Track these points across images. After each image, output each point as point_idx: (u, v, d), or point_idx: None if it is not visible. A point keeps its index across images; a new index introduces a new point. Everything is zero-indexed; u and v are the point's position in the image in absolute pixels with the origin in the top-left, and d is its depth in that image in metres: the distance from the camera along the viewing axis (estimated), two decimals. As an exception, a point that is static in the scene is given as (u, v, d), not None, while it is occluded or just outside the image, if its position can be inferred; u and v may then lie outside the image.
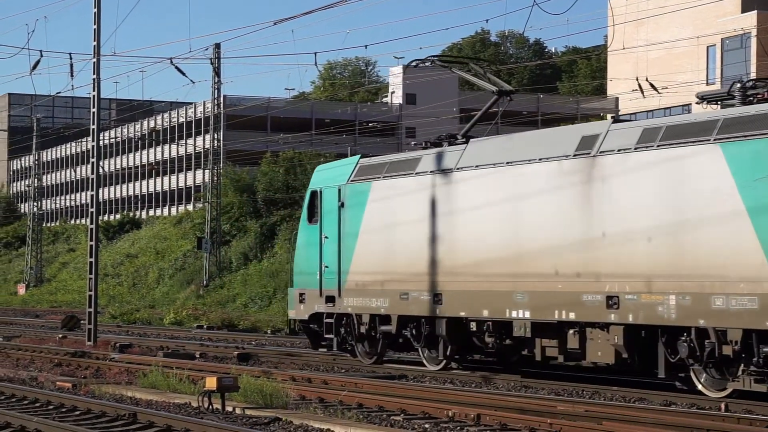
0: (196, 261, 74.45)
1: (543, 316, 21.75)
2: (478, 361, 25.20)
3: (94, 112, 34.94)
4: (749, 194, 18.42)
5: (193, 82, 59.39)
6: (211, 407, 17.95)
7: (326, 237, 27.16)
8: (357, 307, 26.32)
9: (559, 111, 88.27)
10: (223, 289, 68.37)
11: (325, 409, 17.93)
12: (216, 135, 72.10)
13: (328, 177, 27.76)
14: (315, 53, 39.43)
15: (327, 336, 27.26)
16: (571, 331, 21.35)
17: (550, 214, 21.68)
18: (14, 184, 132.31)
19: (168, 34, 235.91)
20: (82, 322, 45.51)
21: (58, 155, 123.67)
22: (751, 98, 19.92)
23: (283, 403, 18.24)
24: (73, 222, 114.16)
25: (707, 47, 66.96)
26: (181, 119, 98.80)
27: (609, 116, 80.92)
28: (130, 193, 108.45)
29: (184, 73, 45.44)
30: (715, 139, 19.00)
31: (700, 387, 19.72)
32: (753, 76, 62.03)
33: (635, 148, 20.27)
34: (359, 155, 28.22)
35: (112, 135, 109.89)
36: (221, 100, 74.91)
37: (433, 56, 27.17)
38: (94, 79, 34.90)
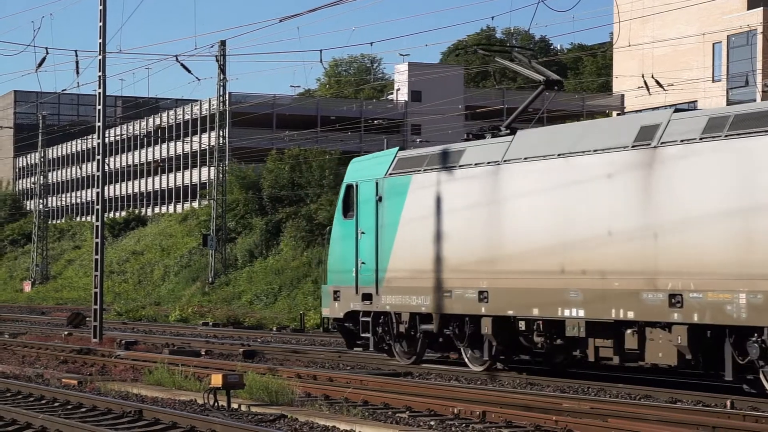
0: (202, 258, 74.47)
1: (598, 315, 20.72)
2: (523, 362, 24.22)
3: (99, 110, 34.95)
4: None
5: (199, 80, 59.32)
6: (216, 404, 17.97)
7: (363, 232, 26.26)
8: (396, 305, 25.30)
9: (564, 108, 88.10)
10: (228, 286, 68.41)
11: (330, 406, 17.92)
12: (221, 132, 72.11)
13: (365, 170, 26.78)
14: (320, 50, 39.60)
15: (363, 335, 26.37)
16: (629, 331, 20.38)
17: (606, 208, 20.68)
18: (20, 181, 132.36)
19: (173, 31, 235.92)
20: (87, 319, 45.57)
21: (64, 152, 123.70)
22: None
23: (289, 400, 18.25)
24: (78, 219, 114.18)
25: (713, 44, 66.88)
26: (187, 116, 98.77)
27: (614, 113, 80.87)
28: (136, 190, 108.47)
29: (189, 71, 45.55)
30: None
31: None
32: (759, 73, 62.03)
33: (701, 139, 19.25)
34: (397, 147, 26.86)
35: (118, 132, 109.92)
36: (227, 98, 74.90)
37: (478, 44, 26.00)
38: (99, 77, 34.92)
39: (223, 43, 66.19)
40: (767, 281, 18.14)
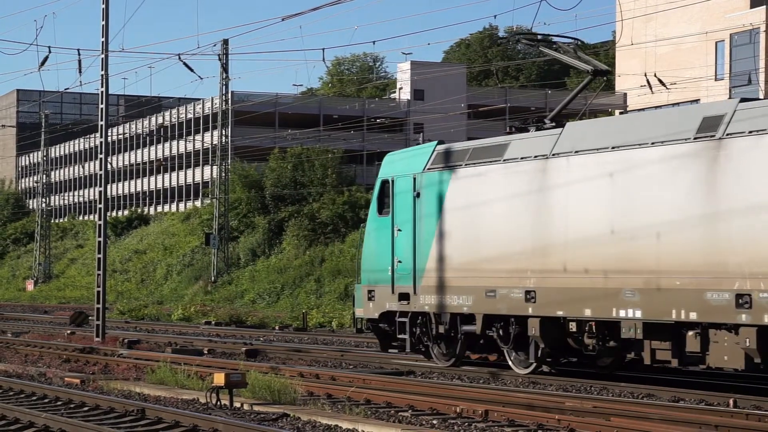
0: (204, 257, 74.50)
1: (657, 316, 19.70)
2: (570, 364, 23.28)
3: (102, 108, 34.96)
4: None
5: (201, 79, 59.42)
6: (219, 403, 17.97)
7: (399, 229, 25.19)
8: (435, 305, 24.18)
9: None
10: (231, 285, 68.43)
11: (333, 405, 17.92)
12: (224, 131, 72.13)
13: (401, 165, 25.63)
14: (323, 49, 39.37)
15: (400, 336, 25.34)
16: (691, 333, 19.35)
17: (666, 203, 19.61)
18: (23, 181, 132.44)
19: (176, 30, 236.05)
20: (90, 318, 45.58)
21: (67, 151, 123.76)
22: None
23: (291, 399, 18.24)
24: (81, 218, 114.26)
25: (716, 43, 66.84)
26: (189, 115, 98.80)
27: (616, 111, 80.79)
28: (138, 189, 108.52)
29: (192, 69, 45.53)
30: None
31: None
32: (762, 71, 61.99)
33: None
34: (436, 141, 25.59)
35: (120, 131, 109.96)
36: (229, 96, 74.96)
37: (520, 34, 24.62)
38: (102, 76, 34.93)
39: (225, 41, 66.23)
40: None
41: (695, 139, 19.36)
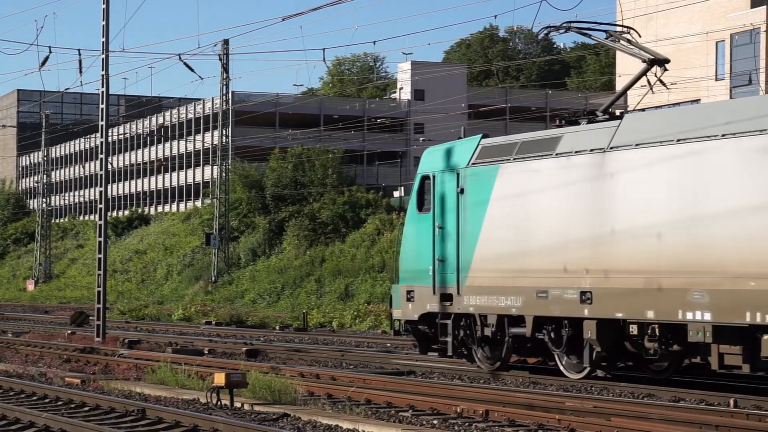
0: (205, 257, 74.53)
1: (728, 319, 18.54)
2: (624, 369, 22.22)
3: (102, 109, 34.97)
4: None
5: (202, 79, 59.31)
6: (219, 403, 17.97)
7: (440, 227, 23.95)
8: (481, 306, 23.01)
9: (567, 107, 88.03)
10: (231, 285, 68.45)
11: (333, 405, 17.92)
12: (224, 131, 72.15)
13: (443, 160, 24.32)
14: (323, 49, 39.41)
15: (441, 339, 24.07)
16: (766, 337, 18.19)
17: (740, 199, 18.47)
18: (23, 180, 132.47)
19: (176, 30, 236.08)
20: (90, 318, 45.59)
21: (67, 151, 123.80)
22: None
23: (292, 399, 18.25)
24: (81, 218, 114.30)
25: (716, 43, 66.83)
26: (190, 115, 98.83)
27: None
28: (139, 189, 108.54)
29: (192, 70, 45.59)
30: None
31: None
32: (762, 71, 62.01)
33: None
34: (481, 135, 24.25)
35: (121, 131, 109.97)
36: (230, 97, 74.96)
37: (569, 22, 23.05)
38: (102, 76, 34.95)
39: (226, 42, 66.26)
40: None
41: None
